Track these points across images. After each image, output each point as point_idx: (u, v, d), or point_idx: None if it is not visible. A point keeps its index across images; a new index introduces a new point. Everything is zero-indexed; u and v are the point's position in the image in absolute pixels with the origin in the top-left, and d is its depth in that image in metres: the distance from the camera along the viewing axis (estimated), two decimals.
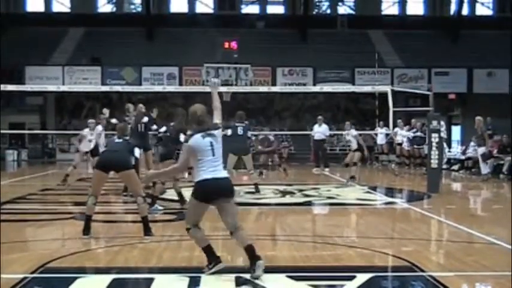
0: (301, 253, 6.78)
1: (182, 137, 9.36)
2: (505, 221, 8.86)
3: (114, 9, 36.09)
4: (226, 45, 28.46)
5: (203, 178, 5.46)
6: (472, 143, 19.58)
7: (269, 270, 5.49)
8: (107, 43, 30.38)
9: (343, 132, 15.98)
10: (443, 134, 13.93)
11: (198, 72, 27.46)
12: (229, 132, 12.75)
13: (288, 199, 12.55)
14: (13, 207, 10.65)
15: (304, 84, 27.86)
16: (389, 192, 14.54)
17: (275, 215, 10.56)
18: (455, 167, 21.20)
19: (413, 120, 20.81)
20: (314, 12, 36.06)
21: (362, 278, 5.50)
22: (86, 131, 15.20)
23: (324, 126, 19.12)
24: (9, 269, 5.80)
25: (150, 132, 13.13)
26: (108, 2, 35.97)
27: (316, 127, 19.10)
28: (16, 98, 28.12)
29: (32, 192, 13.35)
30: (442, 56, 30.05)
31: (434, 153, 13.32)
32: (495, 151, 18.05)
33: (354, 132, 15.36)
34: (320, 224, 10.04)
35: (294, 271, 5.79)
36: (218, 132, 5.67)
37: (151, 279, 5.54)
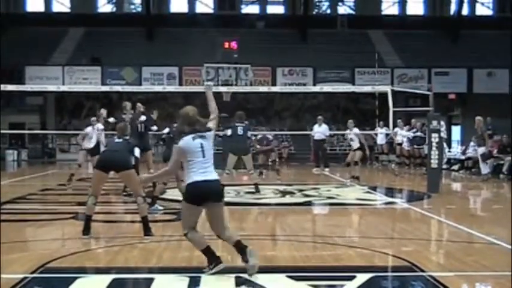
0: (301, 253, 6.77)
1: None
2: (505, 221, 8.86)
3: (114, 9, 36.09)
4: (226, 45, 28.42)
5: (193, 180, 5.50)
6: (472, 143, 19.57)
7: (269, 270, 5.49)
8: (107, 43, 30.37)
9: (347, 132, 15.97)
10: (443, 134, 13.93)
11: (198, 72, 27.40)
12: (229, 132, 12.77)
13: (288, 199, 12.54)
14: (13, 207, 10.65)
15: (304, 84, 27.86)
16: (389, 192, 14.54)
17: (275, 215, 10.56)
18: (455, 167, 21.19)
19: (413, 120, 20.82)
20: (314, 12, 36.07)
21: (362, 278, 5.50)
22: (89, 129, 15.16)
23: (324, 126, 19.09)
24: (9, 269, 5.80)
25: (150, 133, 13.12)
26: (108, 2, 35.97)
27: (316, 127, 19.07)
28: (16, 98, 28.12)
29: (32, 192, 13.36)
30: (442, 56, 30.04)
31: (434, 153, 13.31)
32: (495, 151, 18.05)
33: (356, 130, 15.38)
34: (320, 224, 10.03)
35: (294, 271, 5.79)
36: (209, 134, 5.71)
37: (151, 279, 5.54)
